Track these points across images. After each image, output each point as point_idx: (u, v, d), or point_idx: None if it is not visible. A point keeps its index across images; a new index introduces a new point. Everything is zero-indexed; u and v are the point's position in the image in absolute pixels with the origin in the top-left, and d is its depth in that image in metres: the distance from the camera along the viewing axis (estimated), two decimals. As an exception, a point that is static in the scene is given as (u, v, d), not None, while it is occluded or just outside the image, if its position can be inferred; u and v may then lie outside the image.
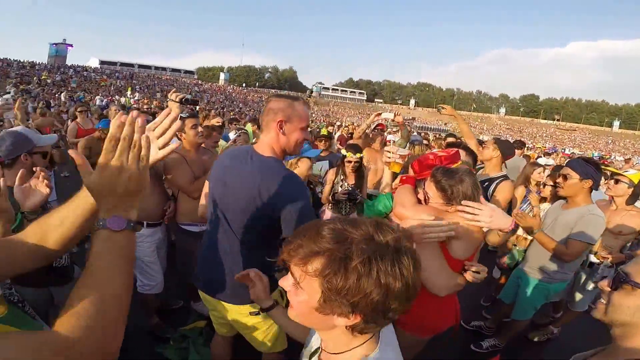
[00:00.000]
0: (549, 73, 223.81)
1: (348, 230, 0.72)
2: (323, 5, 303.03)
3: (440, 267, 1.62)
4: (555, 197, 3.04)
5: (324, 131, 4.96)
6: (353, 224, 0.75)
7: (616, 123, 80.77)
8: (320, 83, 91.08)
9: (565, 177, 2.50)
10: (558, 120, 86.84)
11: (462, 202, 1.58)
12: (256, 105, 49.43)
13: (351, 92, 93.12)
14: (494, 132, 54.47)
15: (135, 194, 0.76)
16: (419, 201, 1.74)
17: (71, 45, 53.40)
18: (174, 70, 73.87)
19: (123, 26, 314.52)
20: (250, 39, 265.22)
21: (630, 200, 2.84)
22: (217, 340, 2.06)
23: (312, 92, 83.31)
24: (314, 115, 50.02)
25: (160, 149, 0.95)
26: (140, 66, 68.31)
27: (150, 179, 2.33)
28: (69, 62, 49.11)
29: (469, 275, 1.62)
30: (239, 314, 1.72)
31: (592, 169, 2.43)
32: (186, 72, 77.65)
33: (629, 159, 15.57)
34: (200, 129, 2.83)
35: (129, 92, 31.32)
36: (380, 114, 3.66)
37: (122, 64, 65.45)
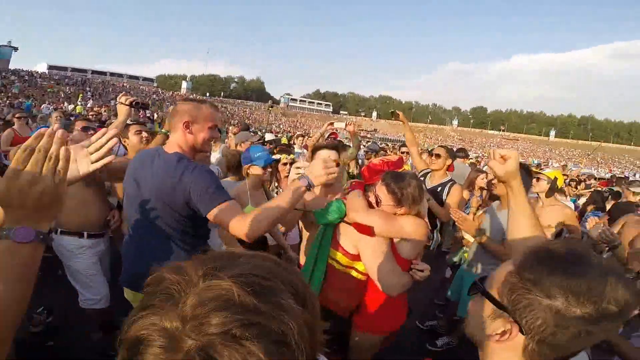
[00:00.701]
0: (496, 86, 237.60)
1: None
2: (292, 17, 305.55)
3: (393, 268, 1.73)
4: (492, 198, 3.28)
5: (283, 140, 5.02)
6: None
7: (552, 133, 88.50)
8: (288, 94, 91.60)
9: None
10: (504, 130, 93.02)
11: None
12: (221, 115, 48.58)
13: (318, 103, 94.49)
14: (447, 142, 57.45)
15: (48, 208, 0.72)
16: (370, 204, 1.84)
17: (16, 49, 49.80)
18: (131, 77, 71.11)
19: (81, 31, 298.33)
20: (217, 49, 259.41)
21: (549, 194, 3.14)
22: None
23: (274, 102, 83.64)
24: (281, 126, 50.73)
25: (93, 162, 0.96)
26: (94, 72, 65.18)
27: (90, 188, 2.00)
28: (14, 66, 45.71)
29: (415, 274, 1.72)
30: None
31: (522, 172, 2.65)
32: (145, 79, 75.17)
33: (565, 165, 16.94)
34: (144, 134, 2.77)
35: (79, 99, 29.70)
36: (332, 124, 3.75)
37: (74, 70, 61.99)
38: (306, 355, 0.45)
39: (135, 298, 1.82)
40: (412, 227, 1.76)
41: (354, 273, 1.90)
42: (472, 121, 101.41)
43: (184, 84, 73.67)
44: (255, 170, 2.60)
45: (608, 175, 15.21)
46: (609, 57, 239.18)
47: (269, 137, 7.02)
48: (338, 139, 5.66)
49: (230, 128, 7.84)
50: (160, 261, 1.45)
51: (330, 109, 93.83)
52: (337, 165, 2.10)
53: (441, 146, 3.82)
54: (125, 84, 57.43)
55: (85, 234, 2.45)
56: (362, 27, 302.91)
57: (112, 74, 67.34)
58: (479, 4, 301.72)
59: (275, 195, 2.98)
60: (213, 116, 1.76)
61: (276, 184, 3.32)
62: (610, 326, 0.72)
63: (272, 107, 28.42)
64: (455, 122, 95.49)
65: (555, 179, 3.13)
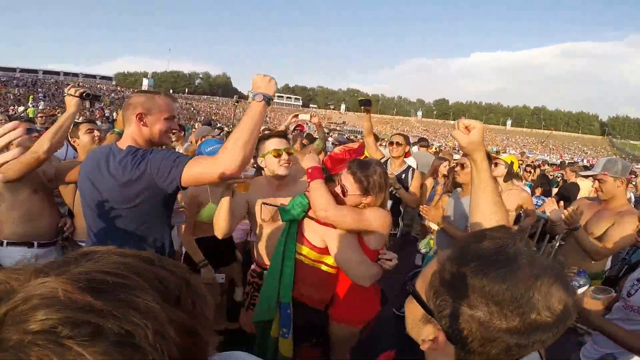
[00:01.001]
0: (457, 79, 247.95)
1: None
2: (257, 12, 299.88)
3: (361, 259, 1.75)
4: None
5: None
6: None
7: (509, 122, 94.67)
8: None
9: (462, 166, 2.83)
10: None
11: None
12: (185, 112, 47.26)
13: (287, 97, 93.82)
14: (412, 133, 59.40)
15: None
16: (335, 195, 1.78)
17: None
18: (87, 76, 67.59)
19: (29, 30, 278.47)
20: (180, 47, 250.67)
21: (507, 178, 3.23)
22: None
23: (240, 97, 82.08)
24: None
25: None
26: (46, 72, 61.38)
27: (38, 195, 1.73)
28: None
29: (383, 264, 1.74)
30: None
31: None
32: (102, 77, 71.61)
33: (523, 152, 17.82)
34: (96, 133, 2.60)
35: (30, 101, 27.85)
36: (297, 115, 3.70)
37: (23, 70, 58.26)
38: (174, 357, 0.41)
39: None
40: (379, 221, 1.75)
41: (323, 267, 1.89)
42: (435, 112, 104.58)
43: (145, 81, 70.62)
44: None
45: (559, 161, 16.15)
46: (556, 57, 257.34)
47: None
48: (305, 131, 5.63)
49: (197, 125, 7.70)
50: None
51: (300, 103, 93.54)
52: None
53: (399, 134, 3.93)
54: (81, 83, 54.42)
55: (35, 243, 2.27)
56: (329, 22, 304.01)
57: (66, 74, 63.64)
58: (440, 4, 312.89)
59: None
60: (169, 106, 1.65)
61: None
62: (546, 337, 0.60)
63: (238, 102, 27.67)
64: (419, 114, 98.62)
65: (512, 163, 3.24)
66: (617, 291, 1.71)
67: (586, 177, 2.62)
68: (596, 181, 2.42)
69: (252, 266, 2.24)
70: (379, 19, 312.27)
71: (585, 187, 5.19)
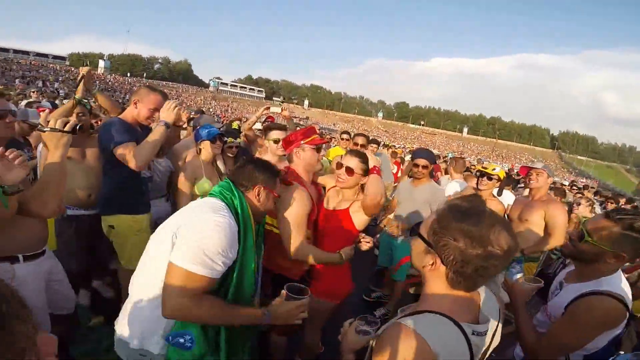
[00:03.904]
0: (417, 83, 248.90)
1: None
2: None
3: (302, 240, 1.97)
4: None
5: (234, 125, 5.34)
6: None
7: (465, 129, 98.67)
8: (218, 78, 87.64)
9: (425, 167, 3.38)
10: (423, 125, 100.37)
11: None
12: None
13: (250, 89, 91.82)
14: (373, 133, 60.33)
15: None
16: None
17: None
18: (39, 55, 62.23)
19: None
20: (138, 27, 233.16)
21: (499, 193, 3.75)
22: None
23: (201, 85, 79.77)
24: (211, 110, 49.15)
25: None
26: (-7, 49, 55.67)
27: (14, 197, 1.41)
28: None
29: (364, 245, 2.04)
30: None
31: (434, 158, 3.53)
32: (55, 57, 66.41)
33: (480, 159, 19.79)
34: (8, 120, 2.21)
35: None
36: (269, 108, 4.01)
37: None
38: None
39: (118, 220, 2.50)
40: (373, 203, 2.01)
41: (275, 231, 2.02)
42: (395, 114, 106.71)
43: (101, 63, 65.86)
44: (206, 145, 2.88)
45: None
46: (513, 68, 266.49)
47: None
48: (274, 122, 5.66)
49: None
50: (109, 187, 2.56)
51: (263, 95, 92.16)
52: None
53: (360, 134, 4.76)
54: (33, 62, 50.55)
55: (20, 257, 1.75)
56: (297, 17, 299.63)
57: (15, 52, 58.40)
58: (402, 6, 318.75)
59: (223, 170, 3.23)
60: (157, 102, 2.46)
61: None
62: (498, 263, 0.92)
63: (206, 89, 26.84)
64: (380, 115, 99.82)
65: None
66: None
67: (530, 168, 3.07)
68: (535, 174, 3.03)
69: None
70: (343, 17, 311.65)
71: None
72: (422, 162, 3.35)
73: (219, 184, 1.58)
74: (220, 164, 3.16)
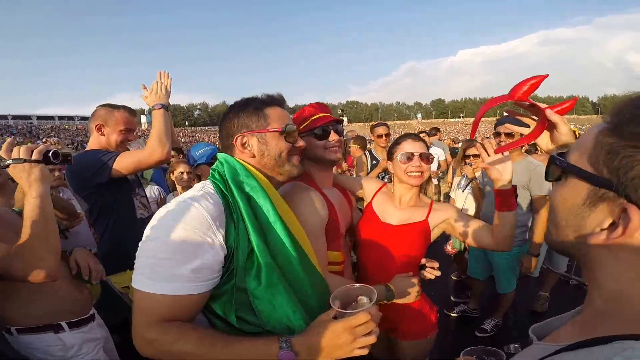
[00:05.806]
0: (449, 79, 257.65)
1: None
2: (252, 40, 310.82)
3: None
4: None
5: None
6: None
7: (505, 113, 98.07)
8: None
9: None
10: (463, 117, 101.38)
11: None
12: (189, 144, 47.99)
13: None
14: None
15: None
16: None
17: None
18: (83, 118, 66.79)
19: (14, 76, 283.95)
20: (174, 79, 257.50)
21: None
22: None
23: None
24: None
25: None
26: (40, 118, 60.95)
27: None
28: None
29: (428, 274, 1.58)
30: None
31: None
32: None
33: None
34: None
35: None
36: None
37: (15, 117, 57.81)
38: None
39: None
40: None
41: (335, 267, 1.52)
42: (433, 113, 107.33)
43: (143, 118, 70.15)
44: (204, 169, 2.63)
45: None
46: (536, 45, 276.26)
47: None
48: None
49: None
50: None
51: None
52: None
53: (381, 123, 4.71)
54: (79, 127, 54.43)
55: (64, 324, 1.48)
56: (322, 44, 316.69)
57: (60, 118, 63.27)
58: (414, 9, 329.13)
59: None
60: (126, 120, 2.02)
61: None
62: None
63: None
64: (419, 116, 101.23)
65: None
66: None
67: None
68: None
69: None
70: (365, 35, 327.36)
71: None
72: (502, 128, 2.78)
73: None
74: None
